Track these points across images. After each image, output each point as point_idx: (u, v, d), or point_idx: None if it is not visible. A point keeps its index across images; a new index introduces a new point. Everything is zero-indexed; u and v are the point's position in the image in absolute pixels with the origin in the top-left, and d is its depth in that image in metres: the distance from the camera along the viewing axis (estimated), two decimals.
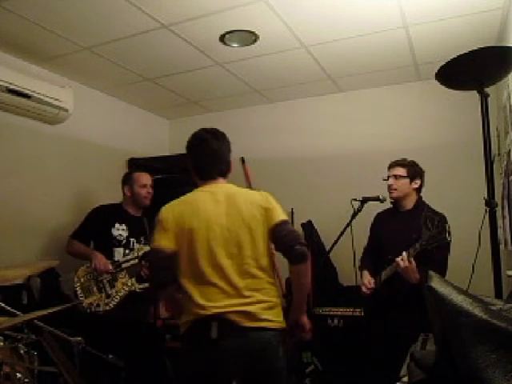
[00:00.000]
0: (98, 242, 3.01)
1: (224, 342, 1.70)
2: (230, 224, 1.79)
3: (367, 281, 2.70)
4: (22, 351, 1.93)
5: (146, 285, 2.91)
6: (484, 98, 1.99)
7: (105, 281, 2.85)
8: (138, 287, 2.87)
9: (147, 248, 2.95)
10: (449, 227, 2.34)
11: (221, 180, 1.92)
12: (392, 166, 2.68)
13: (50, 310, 1.85)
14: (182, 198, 1.90)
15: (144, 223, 3.06)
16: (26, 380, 1.83)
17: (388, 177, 2.67)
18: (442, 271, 2.38)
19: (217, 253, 1.77)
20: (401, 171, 2.62)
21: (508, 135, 2.59)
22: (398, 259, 2.38)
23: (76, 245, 2.98)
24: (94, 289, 2.84)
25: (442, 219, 2.39)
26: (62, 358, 1.82)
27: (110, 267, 2.85)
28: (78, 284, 2.84)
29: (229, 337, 1.70)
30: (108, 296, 2.82)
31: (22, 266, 2.52)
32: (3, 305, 1.99)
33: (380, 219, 2.84)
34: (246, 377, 1.79)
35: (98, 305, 2.80)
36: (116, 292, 2.84)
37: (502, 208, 2.71)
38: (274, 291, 1.85)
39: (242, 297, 1.75)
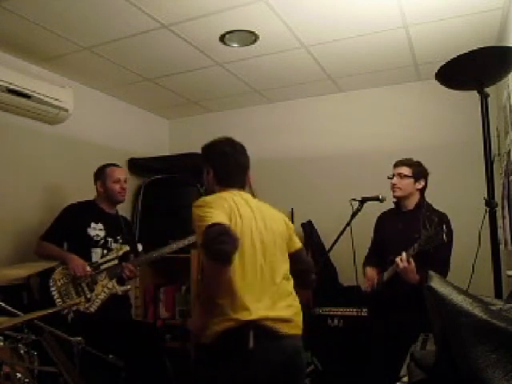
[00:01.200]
0: (72, 243, 2.83)
1: (260, 352, 1.64)
2: (265, 230, 1.82)
3: (371, 277, 2.70)
4: (22, 351, 1.93)
5: (129, 287, 2.85)
6: (484, 98, 2.00)
7: (83, 284, 2.70)
8: (120, 290, 2.77)
9: (126, 248, 2.88)
10: (447, 227, 2.35)
11: (242, 190, 1.94)
12: (397, 164, 2.68)
13: (49, 310, 1.85)
14: (217, 194, 1.85)
15: (120, 221, 2.98)
16: (26, 380, 1.83)
17: (392, 175, 2.67)
18: (443, 272, 2.38)
19: (258, 256, 1.77)
20: (406, 170, 2.62)
21: (508, 135, 2.59)
22: (398, 259, 2.38)
23: (48, 247, 2.78)
24: (73, 293, 2.68)
25: (441, 219, 2.39)
26: (62, 358, 1.81)
27: (88, 269, 2.68)
28: (55, 288, 2.67)
29: (266, 344, 1.66)
30: (88, 300, 2.68)
31: (21, 266, 2.52)
32: (3, 305, 1.99)
33: (382, 220, 2.85)
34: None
35: (78, 310, 2.63)
36: (96, 295, 2.70)
37: (502, 208, 2.71)
38: (296, 296, 1.88)
39: (279, 300, 1.75)
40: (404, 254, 2.36)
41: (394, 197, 2.69)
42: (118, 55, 3.18)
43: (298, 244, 1.98)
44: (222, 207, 1.72)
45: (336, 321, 3.28)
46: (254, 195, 1.98)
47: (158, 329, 3.42)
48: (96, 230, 2.83)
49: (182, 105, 4.30)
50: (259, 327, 1.65)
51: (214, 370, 1.66)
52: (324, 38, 2.99)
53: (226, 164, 1.93)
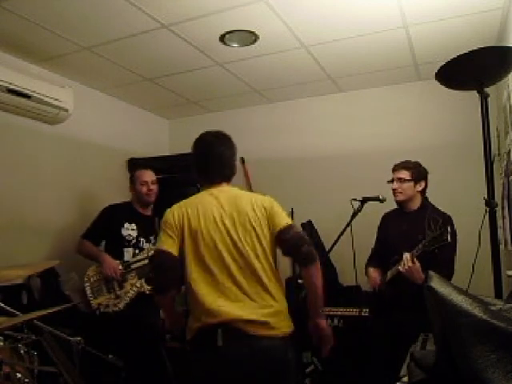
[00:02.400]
0: (108, 242, 3.01)
1: (228, 349, 1.68)
2: (234, 227, 1.79)
3: (374, 277, 2.70)
4: (22, 351, 1.93)
5: None
6: (484, 98, 1.99)
7: (114, 281, 2.84)
8: (147, 289, 2.84)
9: None
10: (452, 228, 2.35)
11: (224, 184, 1.93)
12: (396, 168, 2.66)
13: (49, 310, 1.85)
14: (186, 200, 1.90)
15: (154, 222, 3.03)
16: (26, 380, 1.83)
17: (392, 179, 2.66)
18: (448, 273, 2.37)
19: (224, 256, 1.77)
20: (405, 174, 2.61)
21: (508, 135, 2.59)
22: (404, 259, 2.37)
23: (86, 245, 2.96)
24: (104, 289, 2.83)
25: (445, 220, 2.39)
26: (62, 358, 1.81)
27: (120, 267, 2.83)
28: (88, 284, 2.83)
29: (234, 344, 1.68)
30: (117, 297, 2.81)
31: (22, 266, 2.52)
32: (3, 305, 1.99)
33: (386, 220, 2.84)
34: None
35: (107, 305, 2.78)
36: (125, 293, 2.82)
37: (502, 208, 2.71)
38: (280, 294, 1.83)
39: (251, 300, 1.74)
40: (408, 254, 2.36)
41: (396, 201, 2.68)
42: (118, 55, 3.18)
43: (282, 222, 1.83)
44: (175, 226, 1.82)
45: (336, 321, 3.28)
46: (250, 190, 1.98)
47: (158, 329, 3.41)
48: (129, 230, 2.97)
49: (181, 105, 4.30)
50: (228, 327, 1.69)
51: (191, 362, 1.77)
52: (324, 38, 2.99)
53: (201, 163, 1.94)
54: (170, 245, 1.79)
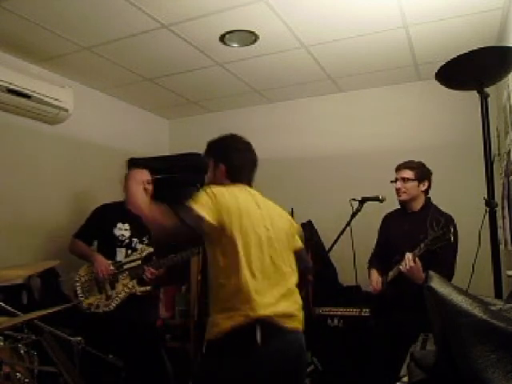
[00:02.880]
0: (100, 242, 2.98)
1: (267, 345, 1.66)
2: (271, 227, 1.83)
3: (375, 281, 2.70)
4: (22, 351, 1.93)
5: (148, 288, 2.87)
6: (484, 98, 1.99)
7: (106, 281, 2.80)
8: (138, 290, 2.83)
9: (150, 249, 2.93)
10: (454, 227, 2.35)
11: (248, 187, 1.95)
12: (400, 168, 2.66)
13: (49, 310, 1.85)
14: (226, 187, 1.83)
15: None
16: (26, 380, 1.83)
17: (396, 179, 2.65)
18: (449, 274, 2.37)
19: (264, 250, 1.77)
20: (409, 174, 2.61)
21: (508, 135, 2.59)
22: (405, 259, 2.38)
23: (78, 245, 2.93)
24: (95, 289, 2.79)
25: (447, 220, 2.39)
26: (62, 358, 1.81)
27: (112, 267, 2.80)
28: (79, 284, 2.79)
29: (272, 339, 1.67)
30: (108, 297, 2.78)
31: (22, 266, 2.52)
32: (3, 305, 1.99)
33: (388, 220, 2.83)
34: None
35: (98, 306, 2.75)
36: (116, 293, 2.79)
37: (502, 208, 2.71)
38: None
39: (286, 295, 1.78)
40: (409, 254, 2.36)
41: (400, 201, 2.68)
42: (118, 55, 3.18)
43: (299, 243, 2.00)
44: (218, 203, 1.71)
45: (336, 321, 3.28)
46: None
47: (157, 329, 3.41)
48: (122, 230, 2.93)
49: (181, 105, 4.30)
50: (266, 323, 1.66)
51: (222, 365, 1.67)
52: (324, 38, 2.99)
53: (240, 160, 1.95)
54: (208, 214, 1.68)
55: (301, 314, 1.82)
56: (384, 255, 2.72)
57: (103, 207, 3.03)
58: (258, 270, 1.73)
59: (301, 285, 1.94)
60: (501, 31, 2.83)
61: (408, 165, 2.64)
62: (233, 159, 1.94)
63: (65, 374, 1.79)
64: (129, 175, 3.01)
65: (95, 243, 3.01)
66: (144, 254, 2.90)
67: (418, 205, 2.64)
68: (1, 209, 3.01)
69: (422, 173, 2.63)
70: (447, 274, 2.32)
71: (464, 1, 2.52)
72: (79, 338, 2.05)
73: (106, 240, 2.92)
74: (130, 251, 2.93)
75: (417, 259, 2.34)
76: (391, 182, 2.67)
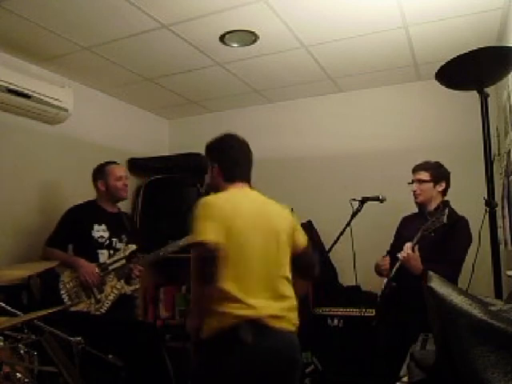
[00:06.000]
0: (77, 246, 2.86)
1: (258, 344, 1.68)
2: (267, 228, 1.83)
3: (384, 260, 2.66)
4: (22, 351, 1.93)
5: (137, 286, 2.85)
6: (484, 98, 2.00)
7: (93, 286, 2.73)
8: (128, 289, 2.79)
9: (133, 247, 2.89)
10: (465, 229, 2.40)
11: (247, 184, 1.95)
12: (415, 170, 2.64)
13: (49, 310, 1.85)
14: (220, 194, 1.88)
15: (123, 219, 2.97)
16: (26, 380, 1.83)
17: (412, 181, 2.63)
18: (453, 274, 2.35)
19: (256, 252, 1.78)
20: (424, 175, 2.59)
21: (508, 135, 2.59)
22: (404, 247, 2.37)
23: (53, 253, 2.78)
24: (83, 295, 2.70)
25: (459, 222, 2.42)
26: (62, 358, 1.81)
27: (97, 270, 2.71)
28: (65, 291, 2.69)
29: (261, 339, 1.69)
30: (98, 301, 2.70)
31: (21, 266, 2.52)
32: (3, 305, 1.99)
33: (404, 222, 2.81)
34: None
35: (89, 311, 2.67)
36: (105, 296, 2.72)
37: (502, 208, 2.71)
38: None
39: (278, 297, 1.78)
40: (408, 243, 2.36)
41: (416, 203, 2.65)
42: (118, 55, 3.18)
43: (303, 241, 1.98)
44: (217, 216, 1.74)
45: (336, 321, 3.28)
46: None
47: (157, 329, 3.42)
48: (100, 232, 2.84)
49: (181, 105, 4.30)
50: (254, 323, 1.68)
51: (212, 364, 1.72)
52: (324, 38, 2.99)
53: (232, 157, 1.95)
54: (215, 235, 1.70)
55: (292, 315, 1.81)
56: (394, 256, 2.71)
57: (76, 208, 2.91)
58: (248, 272, 1.74)
59: (308, 277, 2.01)
60: (501, 31, 2.83)
61: (423, 166, 2.62)
62: (225, 158, 1.95)
63: (65, 374, 1.79)
64: (107, 172, 2.91)
65: (70, 247, 2.90)
66: (127, 252, 2.85)
67: (433, 206, 2.60)
68: (2, 209, 3.01)
69: (438, 174, 2.60)
70: (451, 275, 2.29)
71: (464, 1, 2.52)
72: (79, 338, 2.04)
73: (84, 243, 2.81)
74: (111, 251, 2.85)
75: (415, 248, 2.34)
76: (408, 183, 2.64)
